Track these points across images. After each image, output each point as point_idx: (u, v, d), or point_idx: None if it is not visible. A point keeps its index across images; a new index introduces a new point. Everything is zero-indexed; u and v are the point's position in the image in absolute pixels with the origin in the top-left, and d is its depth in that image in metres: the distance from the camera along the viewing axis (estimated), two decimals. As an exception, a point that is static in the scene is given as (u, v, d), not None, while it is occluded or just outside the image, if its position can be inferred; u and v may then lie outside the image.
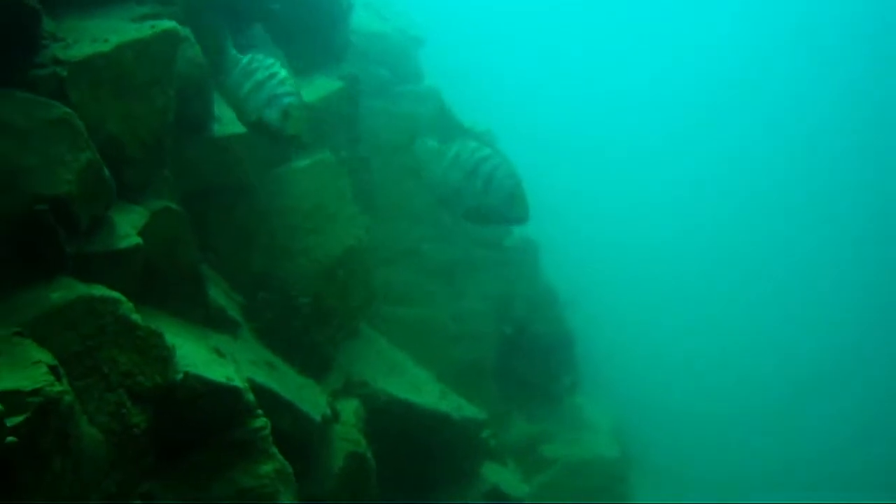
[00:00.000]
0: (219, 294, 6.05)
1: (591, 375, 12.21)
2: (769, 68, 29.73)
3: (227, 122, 6.64)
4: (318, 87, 7.50)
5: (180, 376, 4.58)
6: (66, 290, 4.35)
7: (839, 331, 20.01)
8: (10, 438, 3.39)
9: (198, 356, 4.91)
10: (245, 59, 6.31)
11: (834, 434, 16.64)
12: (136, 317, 4.47)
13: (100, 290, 4.43)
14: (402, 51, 12.16)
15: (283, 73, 6.10)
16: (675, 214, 22.85)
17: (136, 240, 4.94)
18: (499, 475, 8.52)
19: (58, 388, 3.76)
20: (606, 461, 10.38)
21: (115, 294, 4.45)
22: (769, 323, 19.73)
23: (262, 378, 5.47)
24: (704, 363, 17.18)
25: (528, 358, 10.42)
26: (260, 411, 4.97)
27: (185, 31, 6.08)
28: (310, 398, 5.94)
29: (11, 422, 3.54)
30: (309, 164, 7.03)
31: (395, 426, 7.17)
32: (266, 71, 6.12)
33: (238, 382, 4.84)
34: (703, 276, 20.50)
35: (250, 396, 4.89)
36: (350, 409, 6.60)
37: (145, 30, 5.57)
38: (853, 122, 27.87)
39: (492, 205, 6.71)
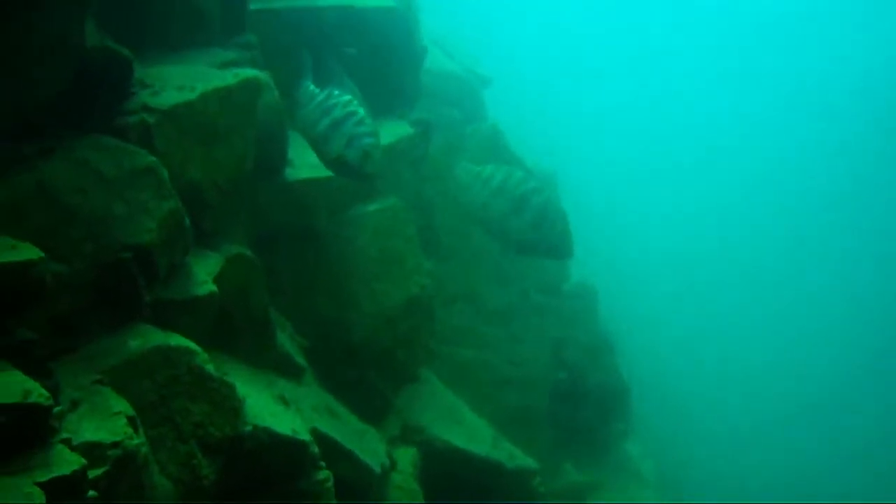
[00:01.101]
0: (285, 339, 6.14)
1: (641, 425, 12.16)
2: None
3: (299, 165, 6.77)
4: (390, 132, 7.59)
5: (249, 428, 4.66)
6: (144, 339, 4.46)
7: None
8: (91, 493, 3.47)
9: (265, 407, 5.00)
10: (322, 94, 6.35)
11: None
12: (209, 367, 4.57)
13: (176, 340, 4.53)
14: (470, 90, 12.28)
15: (361, 111, 6.16)
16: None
17: (212, 287, 5.04)
18: (549, 524, 8.49)
19: (136, 440, 3.86)
20: (654, 516, 10.29)
21: (191, 344, 4.55)
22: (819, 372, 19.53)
23: (324, 426, 5.54)
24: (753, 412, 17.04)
25: (581, 405, 10.37)
26: (323, 463, 5.04)
27: (265, 77, 6.21)
28: (370, 447, 6.00)
29: (93, 474, 3.63)
30: (377, 209, 7.12)
31: (449, 473, 7.20)
32: (343, 109, 6.17)
33: (303, 435, 4.92)
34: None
35: (315, 449, 4.96)
36: (407, 456, 6.65)
37: (229, 78, 5.71)
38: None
39: (542, 240, 6.73)
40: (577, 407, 10.33)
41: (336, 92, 6.32)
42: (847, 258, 24.34)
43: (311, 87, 6.58)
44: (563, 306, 10.77)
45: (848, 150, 28.63)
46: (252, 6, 6.99)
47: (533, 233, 6.71)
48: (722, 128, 29.71)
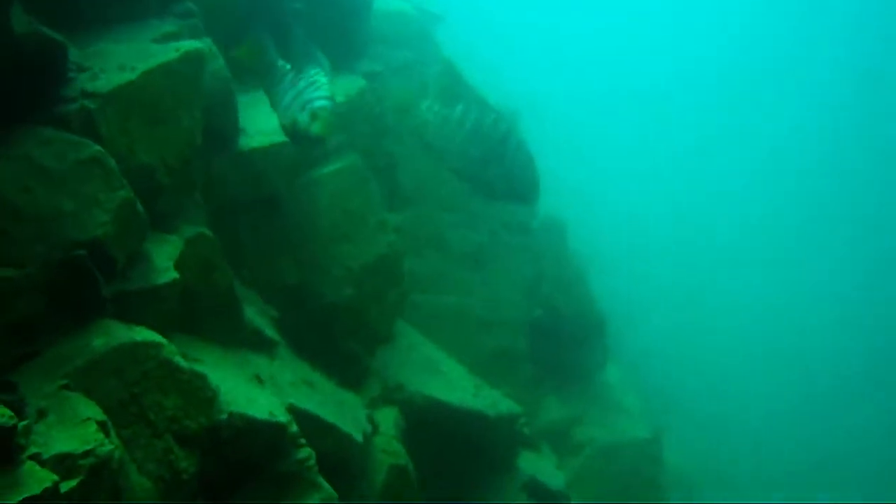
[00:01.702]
0: (254, 313, 6.05)
1: (622, 354, 12.24)
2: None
3: (252, 133, 6.59)
4: (343, 87, 7.39)
5: (224, 416, 4.59)
6: (108, 336, 4.34)
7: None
8: (65, 507, 3.40)
9: (238, 390, 4.91)
10: (290, 71, 6.21)
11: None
12: (178, 359, 4.47)
13: (141, 334, 4.42)
14: (421, 29, 12.01)
15: (322, 80, 6.03)
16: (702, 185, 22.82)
17: (173, 274, 4.92)
18: (535, 465, 8.56)
19: (108, 446, 3.77)
20: (638, 442, 10.39)
21: (157, 337, 4.44)
22: (805, 306, 19.73)
23: (302, 402, 5.47)
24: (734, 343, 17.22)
25: (558, 339, 10.39)
26: (303, 440, 4.98)
27: (207, 47, 6.00)
28: (350, 415, 5.96)
29: (66, 486, 3.55)
30: (335, 169, 6.97)
31: (432, 428, 7.21)
32: (308, 80, 6.05)
33: (281, 417, 4.85)
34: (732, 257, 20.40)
35: (294, 428, 4.90)
36: (390, 417, 6.63)
37: (170, 52, 5.49)
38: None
39: (513, 187, 6.67)
40: (556, 342, 10.35)
41: (308, 67, 6.18)
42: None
43: (280, 63, 6.40)
44: (533, 243, 10.72)
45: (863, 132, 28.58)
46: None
47: (505, 181, 6.67)
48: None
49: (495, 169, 6.55)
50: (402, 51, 11.30)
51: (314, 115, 5.83)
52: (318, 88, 5.95)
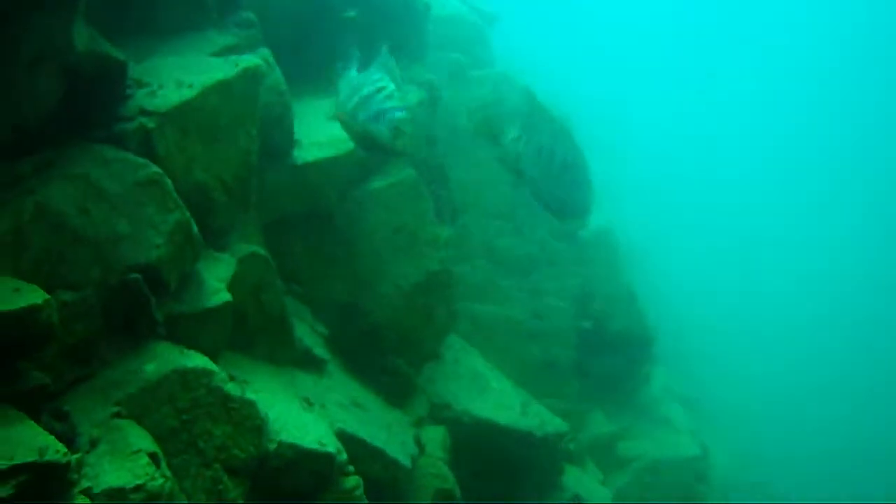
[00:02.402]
0: (304, 330, 6.01)
1: (670, 372, 12.09)
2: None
3: (307, 146, 6.54)
4: (401, 99, 7.31)
5: (274, 445, 4.56)
6: (160, 362, 4.33)
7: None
8: (116, 548, 3.38)
9: (289, 415, 4.89)
10: (357, 76, 6.14)
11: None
12: (229, 387, 4.45)
13: (193, 361, 4.40)
14: (475, 32, 11.91)
15: (390, 86, 5.92)
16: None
17: (226, 296, 4.89)
18: (579, 481, 8.45)
19: (159, 480, 3.76)
20: (686, 459, 10.24)
21: (209, 364, 4.42)
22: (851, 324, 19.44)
23: (351, 425, 5.43)
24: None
25: (606, 353, 10.26)
26: (351, 468, 4.95)
27: (265, 61, 5.95)
28: (398, 438, 5.91)
29: (117, 522, 3.54)
30: (388, 183, 6.89)
31: (478, 446, 7.13)
32: (373, 85, 5.95)
33: (330, 446, 4.82)
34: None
35: (342, 456, 4.87)
36: (436, 438, 6.56)
37: (228, 68, 5.45)
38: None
39: (564, 202, 6.67)
40: (604, 355, 10.22)
41: (372, 72, 6.11)
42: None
43: (352, 72, 6.35)
44: (583, 254, 10.58)
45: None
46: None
47: (560, 192, 6.67)
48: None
49: (553, 180, 6.58)
50: (456, 53, 11.23)
51: (397, 131, 5.75)
52: (390, 98, 5.85)
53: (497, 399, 7.66)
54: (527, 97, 10.01)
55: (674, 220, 18.02)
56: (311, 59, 7.40)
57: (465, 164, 10.48)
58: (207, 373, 4.37)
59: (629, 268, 11.42)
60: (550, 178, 6.67)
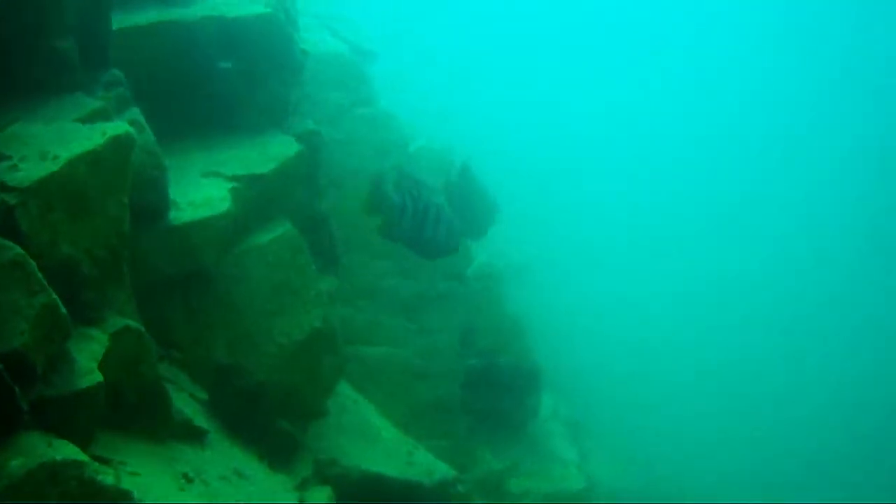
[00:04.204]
0: (184, 399, 5.87)
1: (560, 395, 12.26)
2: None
3: (183, 206, 6.41)
4: (275, 154, 7.23)
5: (150, 536, 4.42)
6: (26, 456, 4.13)
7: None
8: None
9: (167, 497, 4.74)
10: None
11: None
12: (101, 478, 4.29)
13: (62, 453, 4.22)
14: (355, 70, 11.89)
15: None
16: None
17: (97, 377, 4.71)
18: (468, 526, 8.49)
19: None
20: (573, 493, 10.39)
21: (79, 455, 4.26)
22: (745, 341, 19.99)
23: (232, 500, 5.31)
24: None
25: (494, 389, 10.35)
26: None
27: (136, 125, 5.81)
28: (282, 505, 5.82)
29: None
30: (268, 240, 6.81)
31: (368, 501, 7.08)
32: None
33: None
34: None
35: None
36: (322, 499, 6.47)
37: (96, 136, 5.27)
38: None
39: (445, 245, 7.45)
40: (491, 391, 10.31)
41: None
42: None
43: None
44: (469, 291, 10.68)
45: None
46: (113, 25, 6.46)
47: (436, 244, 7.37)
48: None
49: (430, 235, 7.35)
50: (337, 93, 11.23)
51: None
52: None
53: (384, 448, 7.65)
54: (382, 118, 10.85)
55: (560, 244, 18.25)
56: (186, 113, 7.31)
57: (351, 205, 10.47)
58: (78, 464, 4.21)
59: (515, 296, 11.54)
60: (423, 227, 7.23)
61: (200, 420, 5.87)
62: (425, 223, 7.49)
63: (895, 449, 17.05)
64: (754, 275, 22.69)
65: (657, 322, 19.37)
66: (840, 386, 18.98)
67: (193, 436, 5.74)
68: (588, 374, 15.58)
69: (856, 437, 17.43)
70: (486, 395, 10.32)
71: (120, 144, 5.33)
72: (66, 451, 4.26)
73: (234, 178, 6.74)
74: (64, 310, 4.66)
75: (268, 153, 7.19)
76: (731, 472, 16.02)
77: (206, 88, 7.45)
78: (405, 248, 7.87)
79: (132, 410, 5.31)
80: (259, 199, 6.85)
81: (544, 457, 10.78)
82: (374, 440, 7.71)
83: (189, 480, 5.13)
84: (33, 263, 4.52)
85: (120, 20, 6.75)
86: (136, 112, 6.12)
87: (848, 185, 26.60)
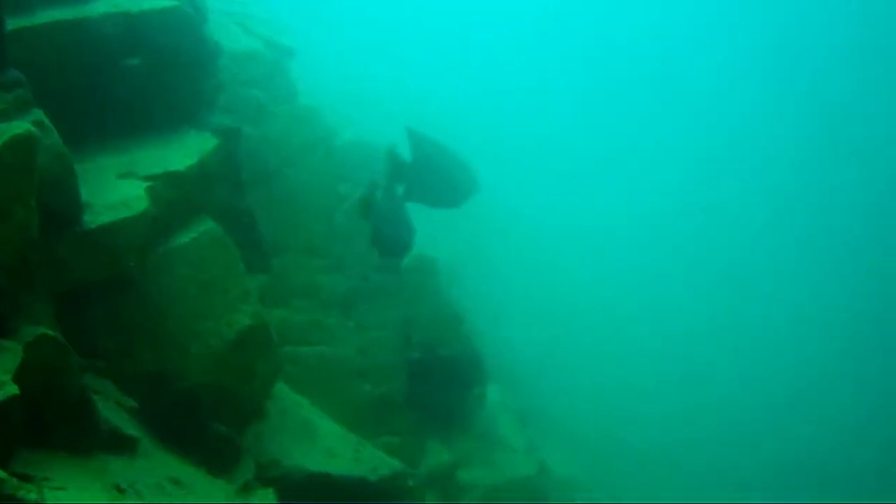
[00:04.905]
0: (111, 410, 5.59)
1: (505, 385, 12.16)
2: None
3: (98, 208, 6.12)
4: (191, 150, 6.96)
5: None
6: (-62, 478, 3.87)
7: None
8: None
9: (98, 510, 4.48)
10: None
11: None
12: (22, 493, 4.03)
13: (-24, 472, 3.95)
14: (273, 66, 11.62)
15: None
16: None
17: (13, 389, 4.44)
18: (420, 520, 8.32)
19: None
20: (524, 479, 10.27)
21: (-3, 472, 3.99)
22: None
23: (168, 509, 5.07)
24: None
25: (437, 381, 10.18)
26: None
27: (39, 125, 5.50)
28: (222, 512, 5.57)
29: None
30: (189, 239, 6.55)
31: (314, 500, 6.85)
32: None
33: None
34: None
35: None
36: (265, 502, 6.23)
37: (-5, 138, 4.99)
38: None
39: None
40: (434, 383, 10.14)
41: None
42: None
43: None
44: (405, 283, 10.48)
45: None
46: (10, 25, 6.13)
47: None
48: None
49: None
50: (255, 90, 10.96)
51: None
52: None
53: (328, 446, 7.44)
54: (306, 114, 10.50)
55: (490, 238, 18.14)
56: (95, 113, 7.00)
57: (278, 203, 10.23)
58: (-6, 482, 3.94)
59: (452, 288, 11.39)
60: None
61: (130, 429, 5.59)
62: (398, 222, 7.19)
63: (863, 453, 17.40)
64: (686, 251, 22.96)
65: (600, 309, 19.49)
66: (787, 379, 19.33)
67: (123, 445, 5.45)
68: (532, 364, 15.60)
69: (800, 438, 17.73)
70: (430, 387, 10.13)
71: (21, 145, 5.04)
72: (-20, 470, 3.98)
73: (150, 178, 6.46)
74: (-30, 324, 4.39)
75: (184, 150, 6.93)
76: (681, 454, 16.17)
77: (114, 87, 7.13)
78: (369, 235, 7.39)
79: (55, 423, 5.03)
80: (178, 197, 6.58)
81: (494, 446, 10.66)
82: (318, 439, 7.49)
83: (121, 491, 4.87)
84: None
85: (17, 21, 6.45)
86: (39, 113, 5.80)
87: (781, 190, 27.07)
